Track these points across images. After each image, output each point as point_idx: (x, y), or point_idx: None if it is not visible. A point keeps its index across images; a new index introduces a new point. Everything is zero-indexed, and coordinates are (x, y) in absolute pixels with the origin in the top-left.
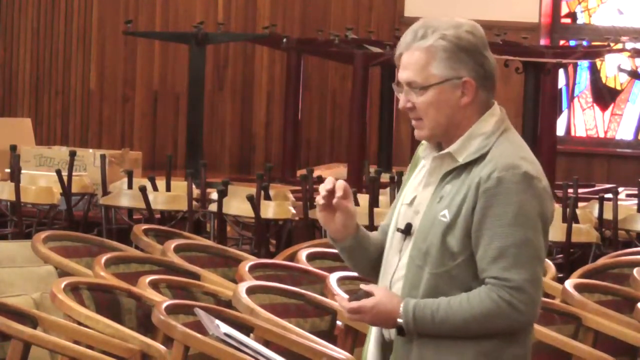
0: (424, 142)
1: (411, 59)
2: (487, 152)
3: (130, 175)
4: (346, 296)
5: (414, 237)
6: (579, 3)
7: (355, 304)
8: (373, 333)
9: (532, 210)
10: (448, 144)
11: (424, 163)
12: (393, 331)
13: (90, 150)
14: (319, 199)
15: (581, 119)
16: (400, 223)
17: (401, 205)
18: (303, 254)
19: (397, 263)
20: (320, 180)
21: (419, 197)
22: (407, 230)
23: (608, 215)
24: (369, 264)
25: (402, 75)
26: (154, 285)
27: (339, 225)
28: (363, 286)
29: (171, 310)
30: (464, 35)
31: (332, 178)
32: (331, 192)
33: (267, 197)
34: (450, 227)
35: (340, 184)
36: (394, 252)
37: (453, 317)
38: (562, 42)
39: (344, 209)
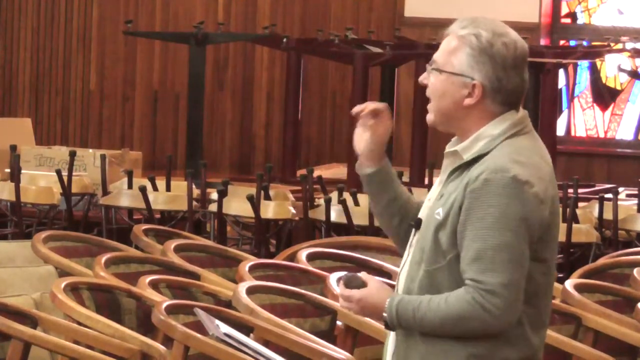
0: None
1: (446, 43)
2: (487, 153)
3: (130, 175)
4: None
5: (418, 233)
6: (579, 3)
7: (346, 291)
8: None
9: (515, 215)
10: (461, 139)
11: None
12: None
13: (90, 150)
14: (357, 109)
15: (581, 119)
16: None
17: (426, 200)
18: (303, 254)
19: (406, 257)
20: (321, 180)
21: (432, 194)
22: (416, 225)
23: (608, 215)
24: (389, 209)
25: (436, 54)
26: (154, 285)
27: (366, 148)
28: (363, 274)
29: (171, 310)
30: (497, 44)
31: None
32: (374, 113)
33: (267, 197)
34: (442, 225)
35: (379, 105)
36: (407, 246)
37: (431, 315)
38: (562, 42)
39: (373, 131)
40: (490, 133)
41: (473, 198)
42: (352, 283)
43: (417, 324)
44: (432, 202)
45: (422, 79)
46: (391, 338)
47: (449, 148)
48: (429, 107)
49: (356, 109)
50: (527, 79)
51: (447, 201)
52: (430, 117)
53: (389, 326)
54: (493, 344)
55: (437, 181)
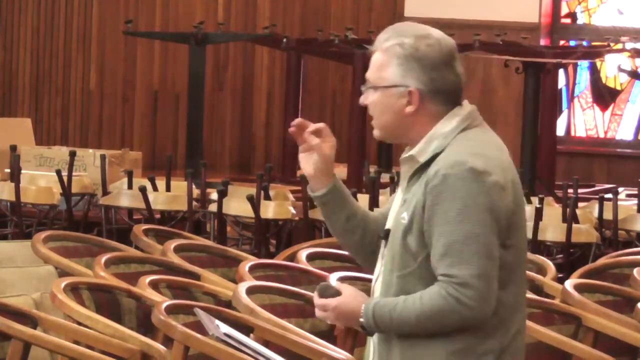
0: (406, 148)
1: (373, 59)
2: (442, 151)
3: (130, 175)
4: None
5: (387, 243)
6: (579, 3)
7: (321, 301)
8: None
9: (479, 206)
10: (413, 146)
11: None
12: None
13: (90, 150)
14: (296, 122)
15: (581, 119)
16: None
17: (391, 211)
18: (303, 254)
19: (379, 268)
20: None
21: (396, 202)
22: (385, 236)
23: (608, 215)
24: (345, 229)
25: (367, 72)
26: (154, 285)
27: (316, 170)
28: (337, 284)
29: (171, 311)
30: (422, 47)
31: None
32: (316, 133)
33: (267, 197)
34: (409, 228)
35: (319, 124)
36: (379, 258)
37: (407, 314)
38: (562, 42)
39: (318, 150)
40: (441, 132)
41: (434, 195)
42: (326, 292)
43: (394, 325)
44: (397, 209)
45: (362, 100)
46: (372, 344)
47: (404, 155)
48: (373, 123)
49: (295, 122)
50: (461, 73)
51: (410, 205)
52: (376, 133)
53: (367, 331)
54: (472, 337)
55: (399, 190)
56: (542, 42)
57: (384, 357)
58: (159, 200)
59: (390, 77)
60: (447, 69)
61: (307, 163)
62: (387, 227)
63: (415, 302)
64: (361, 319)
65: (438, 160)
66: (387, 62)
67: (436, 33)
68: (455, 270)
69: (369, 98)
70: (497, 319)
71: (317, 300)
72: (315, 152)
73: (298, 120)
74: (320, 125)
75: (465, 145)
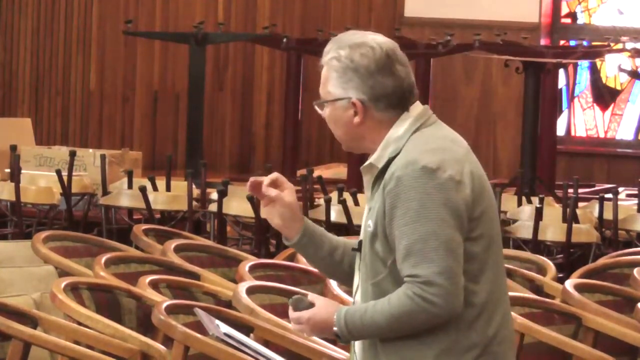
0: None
1: (322, 73)
2: (397, 154)
3: (130, 175)
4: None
5: (361, 253)
6: (579, 3)
7: (295, 314)
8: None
9: (435, 202)
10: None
11: None
12: None
13: (90, 150)
14: (252, 180)
15: (581, 119)
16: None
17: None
18: None
19: (357, 280)
20: (321, 180)
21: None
22: (358, 248)
23: (608, 215)
24: (326, 265)
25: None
26: (154, 285)
27: (283, 219)
28: (310, 295)
29: (171, 310)
30: (356, 57)
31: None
32: (273, 185)
33: None
34: (375, 235)
35: (271, 175)
36: (356, 270)
37: (378, 318)
38: (562, 42)
39: (280, 200)
40: (395, 136)
41: (392, 198)
42: (299, 305)
43: (366, 330)
44: (364, 219)
45: (321, 114)
46: (357, 350)
47: (364, 164)
48: (336, 137)
49: (251, 180)
50: (402, 75)
51: (373, 212)
52: (343, 146)
53: (341, 339)
54: (455, 333)
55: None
56: (542, 42)
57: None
58: (159, 200)
59: (334, 90)
60: (384, 74)
61: (273, 215)
62: (360, 238)
63: (384, 306)
64: (334, 328)
65: (393, 164)
66: (328, 75)
67: (371, 40)
68: (418, 269)
69: (323, 113)
70: (475, 311)
71: (292, 313)
72: (277, 203)
73: (251, 180)
74: (273, 175)
75: (418, 144)
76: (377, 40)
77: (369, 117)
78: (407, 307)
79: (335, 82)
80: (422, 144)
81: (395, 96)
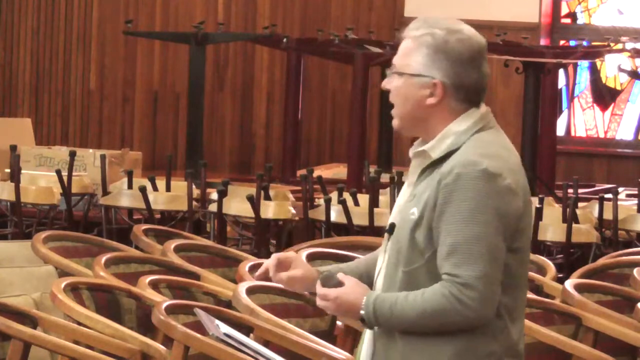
0: (415, 142)
1: (402, 45)
2: (457, 149)
3: (130, 175)
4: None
5: (392, 237)
6: (579, 3)
7: (323, 290)
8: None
9: (488, 207)
10: (426, 141)
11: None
12: None
13: (90, 150)
14: (260, 273)
15: (581, 119)
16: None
17: (395, 205)
18: (303, 254)
19: (382, 262)
20: (321, 180)
21: (402, 197)
22: (390, 230)
23: (608, 215)
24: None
25: (394, 58)
26: (154, 285)
27: (299, 289)
28: (340, 275)
29: (171, 310)
30: (452, 41)
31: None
32: (278, 266)
33: (267, 197)
34: (418, 224)
35: (268, 262)
36: (382, 252)
37: (409, 310)
38: (562, 42)
39: (289, 281)
40: (456, 130)
41: (446, 193)
42: (328, 282)
43: (394, 320)
44: (404, 203)
45: (385, 84)
46: (367, 339)
47: (415, 149)
48: (393, 112)
49: (259, 273)
50: (486, 74)
51: (419, 200)
52: (395, 123)
53: (366, 323)
54: (476, 338)
55: (406, 184)
56: (542, 42)
57: (380, 352)
58: (159, 200)
59: (417, 65)
60: (473, 66)
61: (292, 286)
62: (391, 220)
63: (417, 299)
64: (361, 311)
65: (452, 158)
66: (416, 50)
67: (469, 30)
68: (460, 270)
69: (392, 83)
70: (501, 322)
71: (319, 289)
72: (290, 282)
73: (256, 276)
74: (271, 261)
75: (480, 146)
76: (472, 31)
77: (443, 102)
78: (441, 305)
79: (422, 58)
80: (483, 146)
81: (474, 90)
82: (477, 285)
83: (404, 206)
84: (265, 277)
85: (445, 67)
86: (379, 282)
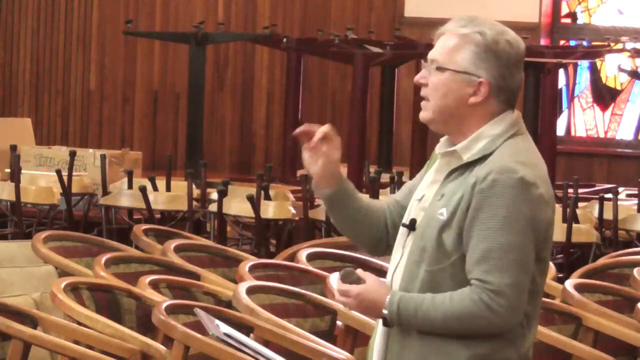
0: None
1: (444, 41)
2: (490, 153)
3: (130, 175)
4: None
5: (415, 233)
6: (579, 3)
7: (344, 286)
8: (380, 324)
9: (523, 216)
10: (455, 140)
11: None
12: None
13: (90, 150)
14: (301, 130)
15: (581, 119)
16: (408, 218)
17: (413, 200)
18: (303, 254)
19: (399, 257)
20: None
21: (427, 194)
22: (411, 226)
23: (608, 215)
24: (350, 223)
25: (431, 52)
26: (154, 285)
27: (322, 172)
28: (359, 271)
29: (171, 310)
30: (502, 42)
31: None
32: (324, 138)
33: (267, 197)
34: (446, 225)
35: (324, 128)
36: (399, 246)
37: (434, 313)
38: (562, 42)
39: (327, 157)
40: (490, 133)
41: (481, 198)
42: (348, 278)
43: (418, 322)
44: (430, 202)
45: (420, 78)
46: (379, 336)
47: (443, 148)
48: (426, 105)
49: (301, 129)
50: (522, 77)
51: (450, 201)
52: (427, 115)
53: (386, 323)
54: (495, 343)
55: (428, 180)
56: (542, 42)
57: (394, 350)
58: (159, 200)
59: (464, 62)
60: (517, 69)
61: (312, 164)
62: (412, 216)
63: (445, 302)
64: (384, 310)
65: (487, 163)
66: (464, 47)
67: (513, 33)
68: (491, 277)
69: (431, 78)
70: (520, 330)
71: (340, 285)
72: (322, 157)
73: (305, 127)
74: (326, 129)
75: (516, 152)
76: (515, 35)
77: (485, 103)
78: (469, 310)
79: (470, 56)
80: (517, 153)
81: (514, 94)
82: (508, 293)
83: (431, 204)
84: (305, 135)
85: (492, 67)
86: (397, 277)
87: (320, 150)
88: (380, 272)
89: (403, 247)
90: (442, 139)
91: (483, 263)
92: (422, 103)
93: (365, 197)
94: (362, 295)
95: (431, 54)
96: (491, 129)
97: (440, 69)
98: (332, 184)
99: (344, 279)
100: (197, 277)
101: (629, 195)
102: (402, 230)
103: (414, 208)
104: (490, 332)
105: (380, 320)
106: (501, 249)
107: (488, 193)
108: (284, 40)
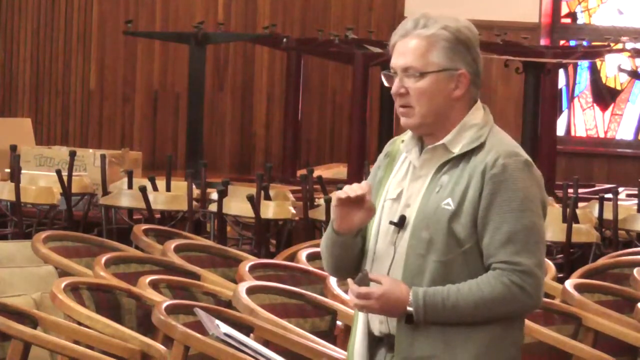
0: (402, 137)
1: (410, 46)
2: (484, 141)
3: (130, 175)
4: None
5: (412, 228)
6: (579, 3)
7: (364, 289)
8: (360, 329)
9: (536, 197)
10: (433, 136)
11: (405, 157)
12: (385, 325)
13: (90, 150)
14: (343, 194)
15: (581, 119)
16: (388, 217)
17: (384, 200)
18: (303, 254)
19: (393, 254)
20: (321, 180)
21: (408, 191)
22: (401, 223)
23: (608, 215)
24: (350, 262)
25: (399, 61)
26: (154, 285)
27: (354, 222)
28: (371, 275)
29: (171, 310)
30: (463, 29)
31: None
32: (359, 198)
33: (267, 197)
34: (456, 214)
35: (360, 191)
36: (387, 245)
37: (464, 302)
38: (562, 42)
39: (369, 208)
40: (473, 123)
41: (495, 183)
42: (363, 282)
43: (446, 313)
44: (422, 195)
45: (399, 89)
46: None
47: (414, 145)
48: (410, 112)
49: (345, 196)
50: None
51: (453, 192)
52: (413, 121)
53: (409, 320)
54: (509, 327)
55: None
56: (542, 42)
57: (403, 344)
58: (159, 200)
59: (440, 61)
60: (478, 51)
61: (344, 215)
62: (395, 214)
63: (473, 290)
64: (409, 307)
65: (489, 150)
66: (434, 46)
67: (461, 18)
68: (520, 258)
69: (413, 85)
70: None
71: (358, 289)
72: (365, 212)
73: (348, 195)
74: (361, 192)
75: (506, 137)
76: (465, 19)
77: (467, 92)
78: (501, 294)
79: (444, 53)
80: (507, 138)
81: (480, 75)
82: (538, 272)
83: (425, 197)
84: (348, 202)
85: (466, 56)
86: (396, 274)
87: (365, 205)
88: None
89: (394, 244)
90: (408, 137)
91: (509, 245)
92: (403, 111)
93: None
94: (385, 296)
95: (402, 63)
96: (472, 119)
97: (419, 74)
98: (354, 232)
99: (360, 283)
100: (197, 277)
101: (629, 195)
102: (387, 229)
103: (392, 207)
104: (521, 313)
105: (359, 326)
106: (525, 230)
107: (501, 177)
108: (284, 40)
